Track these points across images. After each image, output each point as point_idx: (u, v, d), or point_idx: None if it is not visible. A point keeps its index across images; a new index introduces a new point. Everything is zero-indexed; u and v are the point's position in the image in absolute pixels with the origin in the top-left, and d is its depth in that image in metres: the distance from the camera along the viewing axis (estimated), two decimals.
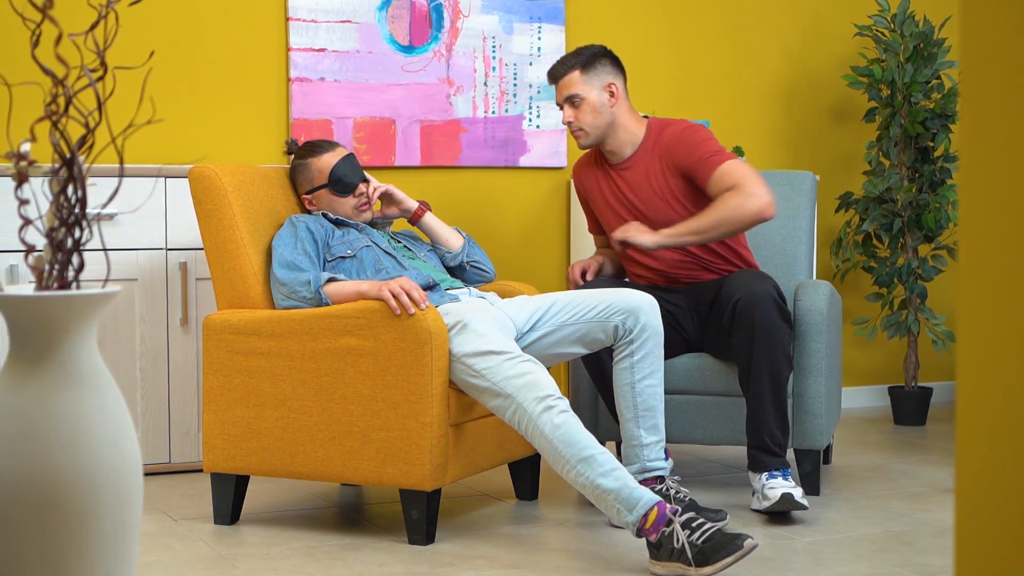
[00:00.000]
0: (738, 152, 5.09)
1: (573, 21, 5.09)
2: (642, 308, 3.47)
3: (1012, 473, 1.27)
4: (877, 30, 5.22)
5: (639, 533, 3.03)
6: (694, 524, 3.01)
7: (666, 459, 3.57)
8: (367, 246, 3.64)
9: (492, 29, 4.92)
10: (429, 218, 3.91)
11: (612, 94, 3.83)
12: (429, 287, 3.60)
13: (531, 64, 4.97)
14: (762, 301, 3.56)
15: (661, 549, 3.01)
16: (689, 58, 5.27)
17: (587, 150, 3.98)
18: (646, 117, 3.96)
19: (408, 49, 4.81)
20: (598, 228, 4.09)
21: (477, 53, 4.90)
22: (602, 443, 4.01)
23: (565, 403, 3.18)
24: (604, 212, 3.95)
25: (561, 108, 3.86)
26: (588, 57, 3.83)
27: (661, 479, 3.50)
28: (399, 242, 3.81)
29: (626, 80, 3.88)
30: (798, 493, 3.53)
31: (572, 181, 4.07)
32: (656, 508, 3.03)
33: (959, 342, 1.33)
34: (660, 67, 5.22)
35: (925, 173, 5.14)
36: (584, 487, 3.11)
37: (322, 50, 4.67)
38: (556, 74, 3.86)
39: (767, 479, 3.58)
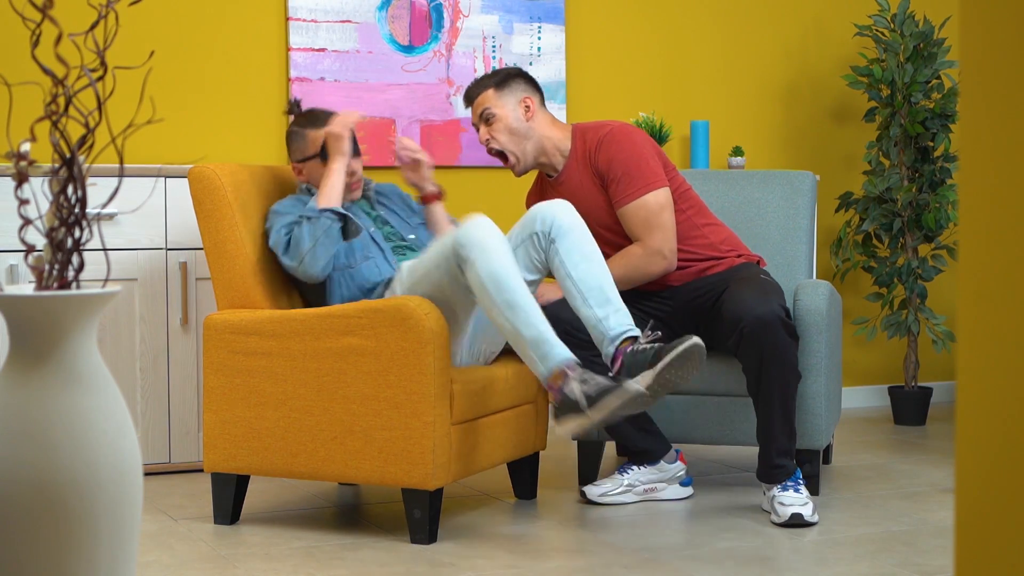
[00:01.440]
0: (737, 152, 5.10)
1: (573, 21, 5.09)
2: (550, 208, 3.46)
3: (1012, 473, 1.27)
4: (877, 30, 5.22)
5: (547, 385, 3.24)
6: (588, 379, 3.20)
7: (631, 323, 3.43)
8: (354, 223, 3.65)
9: (492, 29, 4.92)
10: (438, 207, 3.89)
11: (528, 108, 3.82)
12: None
13: (531, 64, 4.97)
14: (770, 325, 3.50)
15: (563, 407, 3.21)
16: (689, 58, 5.27)
17: (524, 175, 3.96)
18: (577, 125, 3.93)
19: (408, 49, 4.81)
20: None
21: (477, 53, 4.90)
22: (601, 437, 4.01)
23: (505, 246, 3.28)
24: None
25: (477, 129, 3.87)
26: (502, 77, 3.84)
27: (632, 339, 3.36)
28: (386, 223, 3.77)
29: (543, 99, 3.88)
30: (808, 510, 3.52)
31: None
32: (567, 368, 3.21)
33: (959, 342, 1.33)
34: (660, 67, 5.22)
35: (925, 173, 5.14)
36: (507, 333, 3.27)
37: (322, 50, 4.67)
38: (470, 94, 3.85)
39: (779, 491, 3.58)
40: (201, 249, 4.21)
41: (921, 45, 5.12)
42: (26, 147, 2.04)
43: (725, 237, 3.87)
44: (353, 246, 3.61)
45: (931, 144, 5.14)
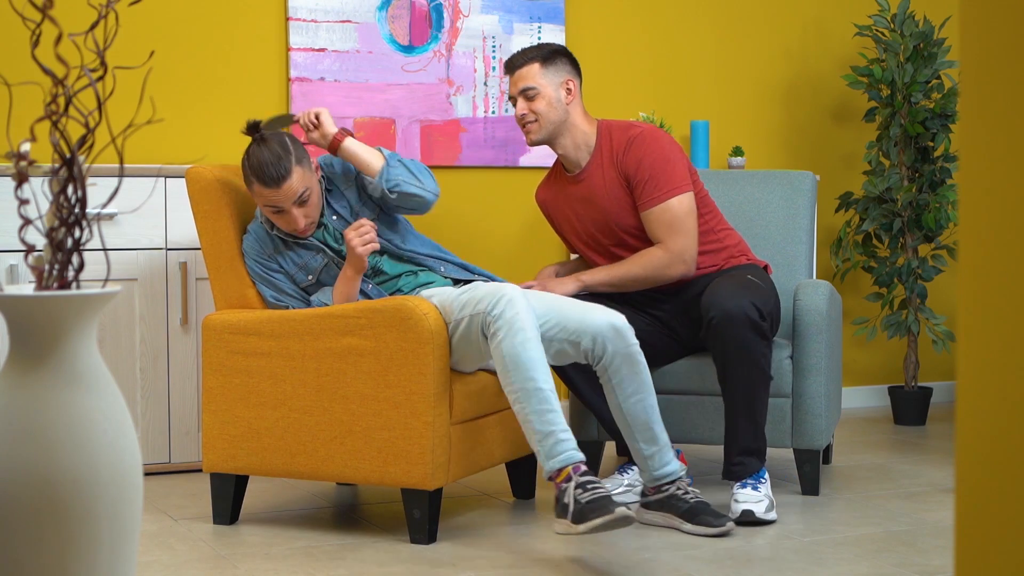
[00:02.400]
0: (737, 152, 5.09)
1: (573, 21, 5.09)
2: (606, 335, 3.40)
3: (1012, 473, 1.27)
4: (877, 30, 5.22)
5: (548, 478, 3.20)
6: (588, 486, 3.12)
7: (675, 459, 3.53)
8: (325, 266, 3.57)
9: (492, 29, 4.92)
10: (349, 143, 3.56)
11: (569, 91, 3.78)
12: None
13: None
14: (735, 320, 3.50)
15: (559, 504, 3.15)
16: (689, 58, 5.27)
17: (536, 146, 3.88)
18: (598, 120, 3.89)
19: (408, 49, 4.81)
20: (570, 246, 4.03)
21: (477, 53, 4.90)
22: (602, 443, 4.01)
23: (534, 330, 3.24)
24: (569, 226, 3.89)
25: (514, 102, 3.80)
26: (548, 52, 3.78)
27: (673, 482, 3.50)
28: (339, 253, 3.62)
29: (582, 82, 3.81)
30: (761, 508, 3.53)
31: (538, 206, 4.01)
32: (572, 468, 3.16)
33: (959, 342, 1.33)
34: (660, 67, 5.22)
35: (925, 173, 5.14)
36: (518, 417, 3.24)
37: (322, 50, 4.67)
38: (514, 64, 3.78)
39: (738, 489, 3.59)
40: (200, 249, 4.20)
41: (921, 45, 5.12)
42: (26, 147, 2.04)
43: (737, 242, 3.88)
44: (325, 283, 3.58)
45: (931, 144, 5.14)
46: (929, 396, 5.15)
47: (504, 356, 3.21)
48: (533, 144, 3.81)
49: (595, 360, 3.42)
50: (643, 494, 3.54)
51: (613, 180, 3.78)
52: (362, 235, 3.39)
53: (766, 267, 3.90)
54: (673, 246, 3.71)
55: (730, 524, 3.42)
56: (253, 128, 3.50)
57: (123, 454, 2.03)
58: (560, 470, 3.16)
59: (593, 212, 3.82)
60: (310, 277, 3.56)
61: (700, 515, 3.43)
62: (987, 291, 1.29)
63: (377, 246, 3.41)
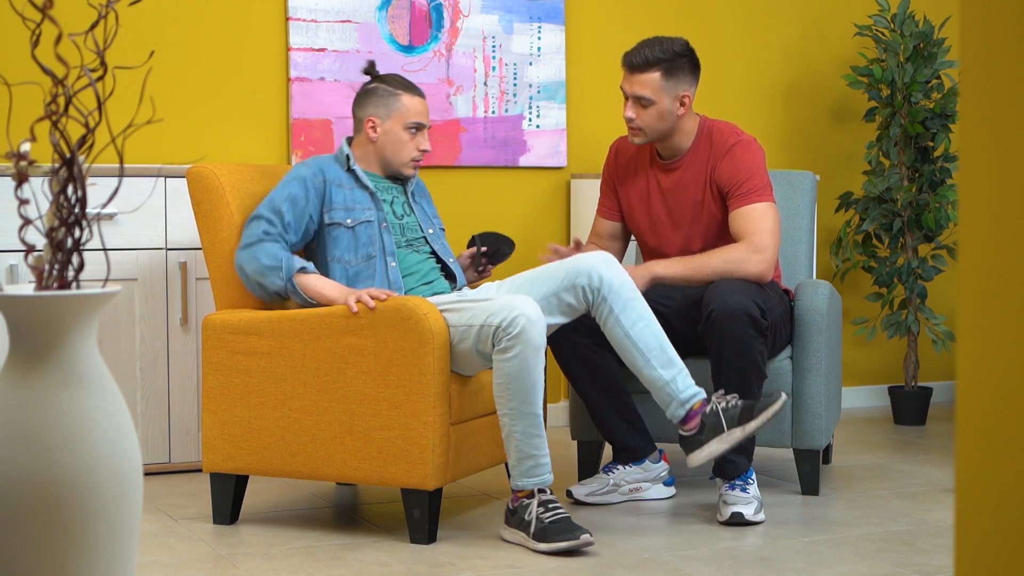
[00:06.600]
0: None
1: (573, 21, 5.09)
2: (598, 264, 3.43)
3: (1012, 473, 1.27)
4: (877, 30, 5.22)
5: (513, 492, 3.31)
6: (550, 506, 3.26)
7: (686, 417, 3.47)
8: (367, 222, 3.56)
9: (492, 29, 4.92)
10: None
11: (682, 104, 3.74)
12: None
13: (531, 64, 4.97)
14: (735, 316, 3.49)
15: (514, 516, 3.30)
16: None
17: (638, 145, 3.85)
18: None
19: (408, 49, 4.81)
20: (609, 214, 3.96)
21: (477, 53, 4.90)
22: (598, 445, 4.01)
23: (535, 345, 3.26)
24: (634, 204, 3.87)
25: (625, 96, 3.76)
26: (672, 56, 3.71)
27: (705, 400, 3.44)
28: (410, 213, 3.69)
29: (698, 83, 3.81)
30: (750, 510, 3.52)
31: (608, 155, 3.95)
32: (536, 491, 3.28)
33: (959, 342, 1.33)
34: None
35: (925, 173, 5.14)
36: (504, 430, 3.30)
37: (322, 50, 4.67)
38: (636, 64, 3.72)
39: (727, 490, 3.58)
40: (201, 249, 4.21)
41: (921, 45, 5.12)
42: (26, 147, 2.04)
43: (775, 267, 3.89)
44: (358, 242, 3.56)
45: (931, 144, 5.14)
46: (929, 396, 5.15)
47: (509, 373, 3.25)
48: (636, 144, 3.80)
49: (594, 295, 3.42)
50: (680, 437, 3.46)
51: (701, 180, 3.77)
52: (373, 297, 3.35)
53: (787, 291, 3.89)
54: (758, 241, 3.65)
55: (784, 397, 3.38)
56: (373, 65, 3.69)
57: (123, 454, 2.03)
58: (527, 491, 3.29)
59: (665, 203, 3.81)
60: (349, 220, 3.54)
61: (755, 406, 3.38)
62: (987, 291, 1.29)
63: (370, 306, 3.35)
